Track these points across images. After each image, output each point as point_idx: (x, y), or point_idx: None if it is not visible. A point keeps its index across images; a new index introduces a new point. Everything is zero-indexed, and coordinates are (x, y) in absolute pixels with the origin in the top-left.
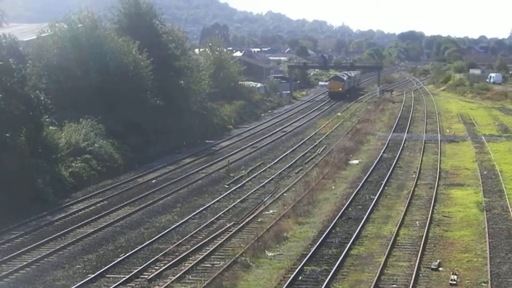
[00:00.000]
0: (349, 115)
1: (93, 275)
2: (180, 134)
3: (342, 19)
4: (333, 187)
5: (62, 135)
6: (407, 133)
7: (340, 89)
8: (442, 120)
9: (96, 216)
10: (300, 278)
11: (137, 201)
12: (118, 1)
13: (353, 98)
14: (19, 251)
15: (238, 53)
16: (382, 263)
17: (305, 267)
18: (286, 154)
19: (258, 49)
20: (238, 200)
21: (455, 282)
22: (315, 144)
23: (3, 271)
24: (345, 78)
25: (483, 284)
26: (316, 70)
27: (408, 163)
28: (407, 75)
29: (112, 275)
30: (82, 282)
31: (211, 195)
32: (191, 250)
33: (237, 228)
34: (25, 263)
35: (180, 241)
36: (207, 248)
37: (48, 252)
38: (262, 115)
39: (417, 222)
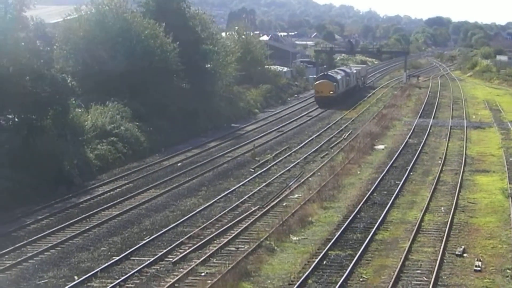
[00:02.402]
0: (375, 101)
1: (117, 258)
2: (206, 117)
3: (369, 4)
4: (359, 172)
5: (88, 118)
6: (433, 118)
7: (332, 92)
8: (468, 106)
9: (121, 199)
10: (324, 262)
11: (162, 184)
12: None
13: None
14: (45, 233)
15: (264, 37)
16: (407, 248)
17: (329, 252)
18: (312, 139)
19: (285, 34)
20: (263, 184)
21: (479, 268)
22: (341, 129)
23: (29, 253)
24: (338, 77)
25: (508, 270)
26: (343, 55)
27: (434, 149)
28: (434, 60)
29: (137, 258)
30: (107, 264)
31: (236, 178)
32: (216, 233)
33: (262, 212)
34: (50, 245)
35: (205, 224)
36: (231, 231)
37: (73, 234)
38: (288, 99)
39: (442, 208)
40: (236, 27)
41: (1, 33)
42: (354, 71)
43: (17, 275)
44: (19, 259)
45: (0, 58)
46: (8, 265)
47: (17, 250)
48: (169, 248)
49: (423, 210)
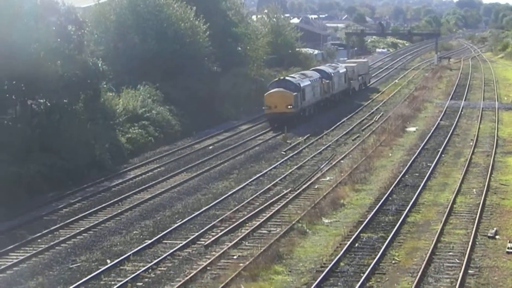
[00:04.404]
0: (407, 82)
1: (150, 241)
2: (238, 100)
3: None
4: (390, 154)
5: (120, 102)
6: (465, 100)
7: (290, 106)
8: (499, 87)
9: (153, 182)
10: (356, 245)
11: (194, 167)
12: None
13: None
14: (77, 217)
15: (295, 20)
16: (439, 230)
17: (361, 234)
18: (343, 121)
19: (316, 16)
20: (295, 167)
21: (511, 250)
22: (372, 111)
23: (61, 236)
24: (303, 84)
25: None
26: (374, 37)
27: (465, 131)
28: (465, 42)
29: (169, 241)
30: (139, 247)
31: (268, 161)
32: (247, 216)
33: (293, 195)
34: (82, 228)
35: (236, 207)
36: (263, 214)
37: (106, 217)
38: None
39: (474, 190)
40: (267, 10)
41: (32, 18)
42: (342, 70)
43: (50, 258)
44: (52, 243)
45: (32, 43)
46: (41, 249)
47: (50, 234)
48: (201, 231)
49: (455, 192)
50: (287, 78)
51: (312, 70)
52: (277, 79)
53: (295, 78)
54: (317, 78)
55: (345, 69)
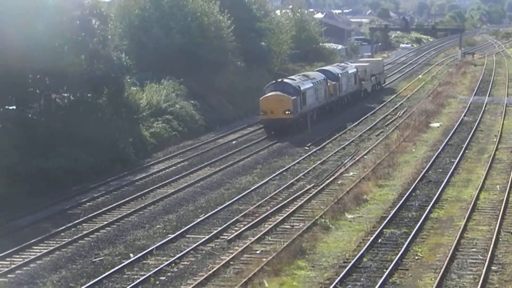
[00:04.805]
0: (430, 78)
1: (173, 235)
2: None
3: None
4: (414, 150)
5: (143, 96)
6: (489, 96)
7: (288, 112)
8: None
9: (177, 177)
10: (379, 240)
11: (217, 162)
12: None
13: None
14: (100, 211)
15: (319, 15)
16: (462, 226)
17: (384, 230)
18: (367, 117)
19: (340, 11)
20: (318, 162)
21: None
22: (396, 106)
23: (84, 230)
24: (304, 86)
25: None
26: (398, 32)
27: (489, 127)
28: (489, 38)
29: (192, 236)
30: (162, 242)
31: (291, 156)
32: (270, 211)
33: (317, 190)
34: (106, 222)
35: (260, 202)
36: (286, 209)
37: (129, 211)
38: None
39: (498, 186)
40: (291, 5)
41: (56, 12)
42: (352, 71)
43: (73, 252)
44: (75, 237)
45: (56, 37)
46: (64, 242)
47: (73, 228)
48: (224, 226)
49: (479, 188)
50: (285, 80)
51: (317, 71)
52: (274, 81)
53: (295, 81)
54: (321, 79)
55: (355, 69)
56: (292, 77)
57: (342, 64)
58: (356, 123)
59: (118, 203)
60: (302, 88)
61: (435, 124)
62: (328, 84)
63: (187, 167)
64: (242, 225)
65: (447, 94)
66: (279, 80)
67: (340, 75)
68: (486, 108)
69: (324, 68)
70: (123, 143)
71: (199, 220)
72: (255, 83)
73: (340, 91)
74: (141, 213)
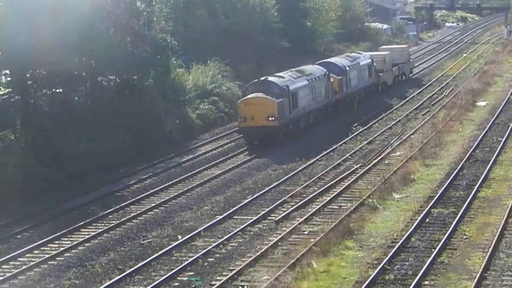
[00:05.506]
0: (476, 57)
1: (221, 217)
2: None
3: None
4: (460, 129)
5: (189, 78)
6: None
7: (272, 118)
8: None
9: (224, 158)
10: (427, 220)
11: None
12: None
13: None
14: (148, 193)
15: None
16: (510, 206)
17: (432, 209)
18: (413, 96)
19: None
20: (365, 142)
21: None
22: (442, 85)
23: (132, 212)
24: (294, 86)
25: None
26: (443, 11)
27: None
28: None
29: (240, 217)
30: (210, 223)
31: (338, 137)
32: (318, 191)
33: (364, 170)
34: (153, 204)
35: (307, 183)
36: (334, 190)
37: (176, 193)
38: None
39: None
40: None
41: None
42: (365, 62)
43: (121, 234)
44: (123, 219)
45: (102, 21)
46: (112, 224)
47: (121, 210)
48: (272, 206)
49: None
50: (269, 79)
51: (319, 64)
52: (256, 80)
53: (283, 79)
54: (320, 75)
55: (369, 60)
56: (280, 73)
57: (353, 54)
58: (402, 103)
59: (166, 185)
60: (291, 88)
61: (481, 103)
62: (332, 79)
63: (233, 148)
64: (289, 206)
65: (493, 73)
66: (262, 78)
67: (347, 68)
68: None
69: (327, 60)
70: (170, 125)
71: (246, 201)
72: (300, 63)
73: (348, 86)
74: (188, 195)
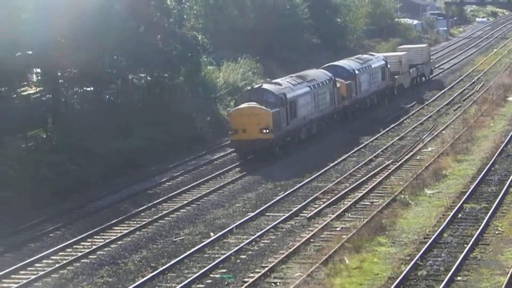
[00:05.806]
0: (507, 52)
1: (253, 214)
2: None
3: None
4: (492, 124)
5: (220, 75)
6: None
7: (266, 130)
8: None
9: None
10: (459, 215)
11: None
12: None
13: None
14: (180, 190)
15: None
16: None
17: (464, 205)
18: (444, 91)
19: None
20: (397, 138)
21: None
22: (473, 81)
23: (164, 210)
24: (290, 94)
25: None
26: (473, 6)
27: None
28: None
29: (272, 214)
30: (242, 220)
31: (370, 133)
32: (349, 188)
33: (395, 166)
34: (185, 201)
35: (339, 179)
36: (365, 186)
37: (208, 191)
38: None
39: None
40: None
41: None
42: (377, 64)
43: (153, 232)
44: (155, 217)
45: (131, 19)
46: (144, 222)
47: (153, 208)
48: (304, 203)
49: None
50: (264, 86)
51: (325, 68)
52: (250, 87)
53: (280, 86)
54: (324, 80)
55: (382, 62)
56: (278, 80)
57: (364, 56)
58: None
59: (197, 182)
60: (289, 96)
61: None
62: (338, 84)
63: None
64: (321, 202)
65: None
66: (256, 86)
67: (357, 72)
68: None
69: (334, 63)
70: (201, 122)
71: (278, 198)
72: (330, 60)
73: (358, 92)
74: (220, 192)
